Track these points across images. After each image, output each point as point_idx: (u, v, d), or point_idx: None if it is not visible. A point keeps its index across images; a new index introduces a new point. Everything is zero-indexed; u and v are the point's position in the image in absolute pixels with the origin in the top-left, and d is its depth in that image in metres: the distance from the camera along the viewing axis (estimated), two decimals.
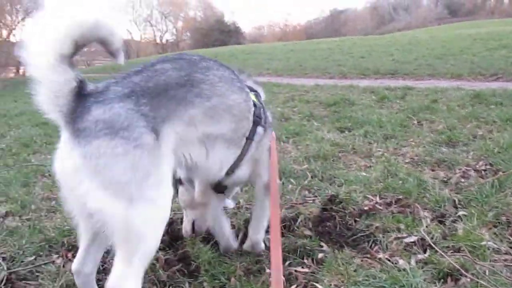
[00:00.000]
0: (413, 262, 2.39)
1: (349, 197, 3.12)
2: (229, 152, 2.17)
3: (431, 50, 17.17)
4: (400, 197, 3.18)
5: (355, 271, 2.30)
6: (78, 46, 1.62)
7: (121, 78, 1.82)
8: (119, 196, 1.61)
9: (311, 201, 3.27)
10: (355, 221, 2.89)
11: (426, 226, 2.75)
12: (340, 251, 2.56)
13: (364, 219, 2.89)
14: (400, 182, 3.41)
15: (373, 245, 2.62)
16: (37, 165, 4.71)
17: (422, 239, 2.62)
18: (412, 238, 2.63)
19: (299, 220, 2.94)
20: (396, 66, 13.50)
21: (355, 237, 2.70)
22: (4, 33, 34.15)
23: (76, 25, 1.60)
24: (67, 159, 1.65)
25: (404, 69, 12.42)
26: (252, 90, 2.32)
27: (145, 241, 1.69)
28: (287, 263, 2.49)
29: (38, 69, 1.58)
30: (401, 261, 2.40)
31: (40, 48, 1.56)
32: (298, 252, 2.58)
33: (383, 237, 2.66)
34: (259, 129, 2.25)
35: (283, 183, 3.66)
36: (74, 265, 2.00)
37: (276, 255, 1.68)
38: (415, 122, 5.68)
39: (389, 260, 2.42)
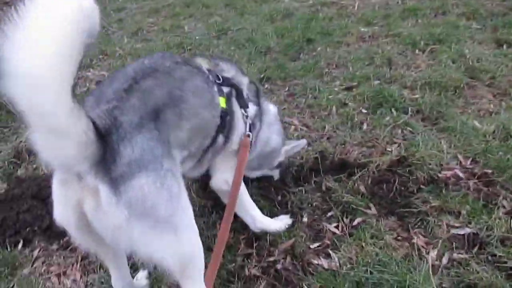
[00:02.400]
0: (444, 260, 2.28)
1: (421, 161, 2.86)
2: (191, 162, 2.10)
3: None
4: (490, 171, 2.78)
5: (376, 253, 2.33)
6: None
7: (117, 102, 1.57)
8: (168, 229, 1.57)
9: (392, 149, 3.10)
10: (419, 189, 2.72)
11: (494, 219, 2.46)
12: (384, 219, 2.55)
13: (428, 190, 2.70)
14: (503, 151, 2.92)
15: (419, 223, 2.52)
16: None
17: (475, 234, 2.40)
18: (464, 231, 2.43)
19: (365, 169, 2.90)
20: None
21: (405, 210, 2.60)
22: None
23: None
24: (111, 217, 1.46)
25: None
26: (232, 85, 2.17)
27: (197, 261, 1.77)
28: (328, 214, 2.64)
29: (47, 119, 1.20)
30: (432, 254, 2.31)
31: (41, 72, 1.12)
32: (342, 206, 2.66)
33: (435, 218, 2.51)
34: (220, 138, 2.13)
35: (381, 112, 3.48)
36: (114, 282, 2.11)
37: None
38: None
39: (419, 249, 2.35)
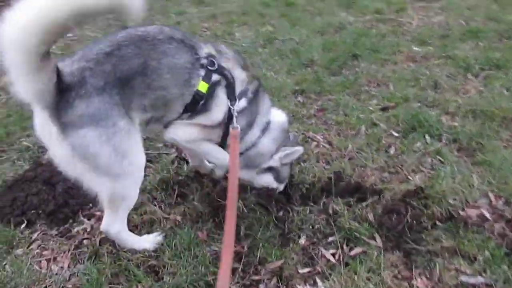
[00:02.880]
0: None
1: (440, 195, 2.58)
2: None
3: None
4: None
5: None
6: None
7: (94, 64, 1.89)
8: (107, 175, 2.02)
9: (415, 178, 2.84)
10: (434, 225, 2.45)
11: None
12: (387, 253, 2.33)
13: (444, 228, 2.42)
14: None
15: (426, 263, 2.26)
16: None
17: (489, 285, 2.10)
18: (476, 280, 2.14)
19: (379, 196, 2.68)
20: None
21: (413, 246, 2.35)
22: None
23: None
24: (58, 149, 1.92)
25: None
26: (224, 76, 2.25)
27: (127, 200, 2.21)
28: (329, 239, 2.45)
29: (18, 70, 1.64)
30: None
31: (17, 37, 1.55)
32: (345, 233, 2.46)
33: (445, 261, 2.24)
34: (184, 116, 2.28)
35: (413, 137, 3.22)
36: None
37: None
38: None
39: None
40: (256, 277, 2.27)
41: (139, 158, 2.10)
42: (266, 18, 6.35)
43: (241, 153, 2.42)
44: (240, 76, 2.33)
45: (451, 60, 4.41)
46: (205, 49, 2.25)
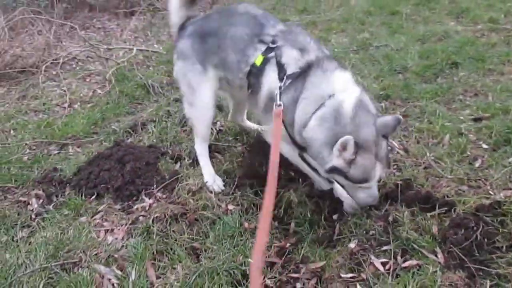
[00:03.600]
0: None
1: None
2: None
3: None
4: None
5: None
6: None
7: (197, 19, 2.79)
8: (186, 99, 2.88)
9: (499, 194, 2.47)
10: (510, 246, 2.10)
11: None
12: (447, 271, 2.05)
13: None
14: None
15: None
16: None
17: None
18: None
19: (450, 208, 2.38)
20: None
21: (480, 267, 2.03)
22: None
23: None
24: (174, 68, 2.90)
25: None
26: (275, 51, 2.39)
27: (198, 128, 2.90)
28: (383, 248, 2.24)
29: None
30: None
31: None
32: (402, 243, 2.22)
33: None
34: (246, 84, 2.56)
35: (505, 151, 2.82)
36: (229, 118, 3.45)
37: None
38: None
39: None
40: (295, 275, 2.15)
41: (205, 97, 2.72)
42: (366, 26, 6.13)
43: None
44: (292, 55, 2.34)
45: None
46: (275, 29, 2.47)
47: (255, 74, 2.43)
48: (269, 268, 2.18)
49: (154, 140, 3.48)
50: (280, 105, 2.24)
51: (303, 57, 2.33)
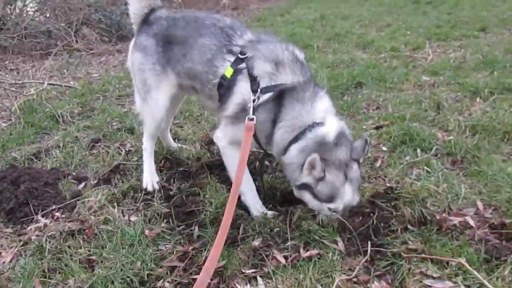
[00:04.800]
0: None
1: (411, 196, 2.29)
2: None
3: None
4: (508, 221, 2.11)
5: None
6: None
7: (163, 19, 2.68)
8: (139, 93, 2.79)
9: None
10: (405, 229, 2.16)
11: (496, 278, 1.81)
12: (349, 257, 2.05)
13: (415, 232, 2.12)
14: None
15: (389, 267, 1.96)
16: None
17: None
18: (443, 284, 1.82)
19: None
20: None
21: (376, 248, 2.06)
22: None
23: None
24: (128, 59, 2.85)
25: None
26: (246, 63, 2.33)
27: (147, 124, 2.82)
28: (288, 243, 2.20)
29: None
30: None
31: None
32: (305, 235, 2.21)
33: (411, 267, 1.93)
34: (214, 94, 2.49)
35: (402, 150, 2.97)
36: None
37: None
38: None
39: None
40: (196, 276, 2.04)
41: (160, 99, 2.68)
42: None
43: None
44: (265, 69, 2.27)
45: (460, 86, 4.17)
46: (243, 38, 2.43)
47: (226, 86, 2.37)
48: (171, 272, 2.07)
49: (59, 165, 3.30)
50: (252, 119, 2.19)
51: (279, 71, 2.27)
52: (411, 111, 3.62)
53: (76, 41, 8.01)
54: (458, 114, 3.56)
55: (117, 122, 4.05)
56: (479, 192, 2.46)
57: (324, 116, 2.21)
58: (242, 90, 2.31)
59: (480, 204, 2.33)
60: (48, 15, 8.70)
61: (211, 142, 3.39)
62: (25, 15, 8.43)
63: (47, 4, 8.84)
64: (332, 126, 2.19)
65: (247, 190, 2.46)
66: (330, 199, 2.12)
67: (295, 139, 2.20)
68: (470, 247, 2.00)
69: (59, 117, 4.29)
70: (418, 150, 2.98)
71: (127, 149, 3.45)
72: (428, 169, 2.72)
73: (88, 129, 3.93)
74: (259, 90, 2.24)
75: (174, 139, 3.47)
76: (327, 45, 6.78)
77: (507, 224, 2.10)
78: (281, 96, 2.23)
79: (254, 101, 2.22)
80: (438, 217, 2.17)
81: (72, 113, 4.46)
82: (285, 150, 2.24)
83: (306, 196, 2.21)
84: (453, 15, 8.69)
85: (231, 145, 2.44)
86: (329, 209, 2.16)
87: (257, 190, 2.52)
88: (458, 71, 4.72)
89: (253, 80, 2.27)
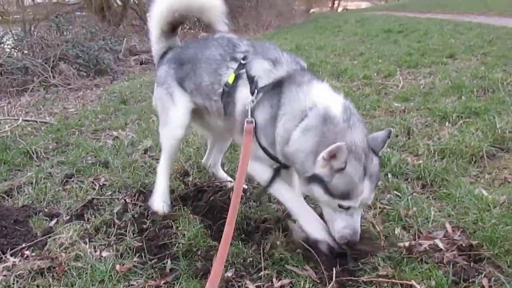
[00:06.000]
0: None
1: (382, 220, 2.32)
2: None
3: None
4: (476, 242, 2.15)
5: None
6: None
7: (178, 47, 2.85)
8: (161, 123, 2.84)
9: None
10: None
11: None
12: (321, 285, 2.05)
13: (386, 257, 2.14)
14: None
15: None
16: None
17: None
18: None
19: None
20: None
21: (349, 278, 2.06)
22: None
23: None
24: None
25: None
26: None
27: (164, 143, 2.82)
28: (261, 273, 2.19)
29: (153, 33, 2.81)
30: None
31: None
32: (278, 264, 2.21)
33: None
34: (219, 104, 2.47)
35: None
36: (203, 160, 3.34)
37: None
38: None
39: None
40: None
41: (177, 116, 2.69)
42: None
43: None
44: (262, 67, 2.24)
45: (429, 111, 4.29)
46: (247, 46, 2.43)
47: (228, 93, 2.33)
48: None
49: (31, 201, 3.24)
50: (251, 121, 2.10)
51: (276, 68, 2.21)
52: None
53: (53, 77, 8.01)
54: (428, 139, 3.65)
55: (92, 156, 4.03)
56: (448, 214, 2.51)
57: (322, 97, 2.03)
58: (242, 96, 2.26)
59: (448, 227, 2.37)
60: (25, 51, 8.71)
61: (186, 174, 3.40)
62: (1, 52, 8.42)
63: (24, 41, 8.85)
64: (333, 101, 2.01)
65: (300, 211, 2.23)
66: (345, 195, 1.87)
67: (296, 125, 2.02)
68: (439, 270, 2.02)
69: (33, 153, 4.24)
70: (389, 175, 3.02)
71: (101, 183, 3.42)
72: (399, 194, 2.76)
73: (62, 164, 3.89)
74: (256, 90, 2.17)
75: (148, 172, 3.46)
76: None
77: (474, 245, 2.13)
78: (278, 86, 2.15)
79: (252, 102, 2.15)
80: (409, 243, 2.19)
81: (47, 149, 4.41)
82: (287, 140, 2.04)
83: (317, 191, 1.94)
84: (423, 43, 9.01)
85: (256, 162, 2.22)
86: (340, 206, 1.93)
87: None
88: (428, 97, 4.86)
89: (251, 81, 2.21)
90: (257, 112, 2.16)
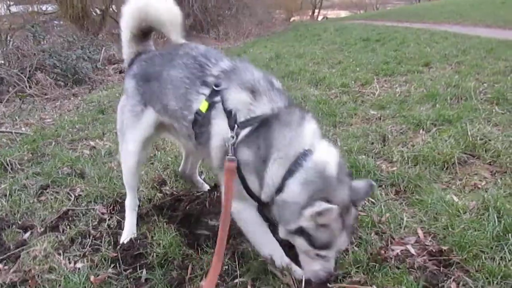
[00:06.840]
0: None
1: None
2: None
3: None
4: (446, 248, 2.21)
5: None
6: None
7: (143, 59, 2.59)
8: (120, 134, 2.71)
9: None
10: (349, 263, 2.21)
11: None
12: None
13: (359, 264, 2.18)
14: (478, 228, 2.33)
15: None
16: None
17: None
18: None
19: None
20: None
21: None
22: None
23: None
24: None
25: None
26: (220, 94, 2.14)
27: (125, 162, 2.70)
28: (236, 280, 2.20)
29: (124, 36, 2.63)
30: None
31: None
32: (254, 271, 2.21)
33: None
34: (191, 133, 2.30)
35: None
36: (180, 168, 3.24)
37: None
38: None
39: None
40: None
41: (136, 138, 2.57)
42: None
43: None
44: (240, 98, 2.07)
45: (404, 119, 4.38)
46: (218, 67, 2.23)
47: (201, 122, 2.15)
48: None
49: (4, 214, 3.19)
50: (233, 159, 1.97)
51: (256, 100, 2.06)
52: (358, 144, 3.75)
53: (30, 87, 7.91)
54: (402, 146, 3.72)
55: (68, 167, 3.98)
56: (420, 220, 2.56)
57: (312, 141, 2.00)
58: (219, 130, 2.09)
59: (420, 232, 2.42)
60: (0, 61, 8.58)
61: (163, 183, 3.39)
62: None
63: None
64: (329, 155, 1.97)
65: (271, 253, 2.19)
66: (325, 246, 1.92)
67: (289, 173, 1.93)
68: (410, 275, 2.06)
69: (7, 165, 4.17)
70: None
71: (76, 194, 3.38)
72: (373, 200, 2.80)
73: (37, 175, 3.83)
74: (236, 126, 2.01)
75: None
76: (281, 83, 6.94)
77: (444, 250, 2.19)
78: (265, 125, 2.02)
79: (233, 137, 1.99)
80: (382, 250, 2.23)
81: (22, 160, 4.34)
82: (279, 187, 1.97)
83: (299, 241, 1.97)
84: (399, 51, 9.19)
85: (240, 202, 2.12)
86: (317, 255, 1.97)
87: None
88: (403, 105, 4.95)
89: (229, 114, 2.05)
90: (242, 151, 2.02)
